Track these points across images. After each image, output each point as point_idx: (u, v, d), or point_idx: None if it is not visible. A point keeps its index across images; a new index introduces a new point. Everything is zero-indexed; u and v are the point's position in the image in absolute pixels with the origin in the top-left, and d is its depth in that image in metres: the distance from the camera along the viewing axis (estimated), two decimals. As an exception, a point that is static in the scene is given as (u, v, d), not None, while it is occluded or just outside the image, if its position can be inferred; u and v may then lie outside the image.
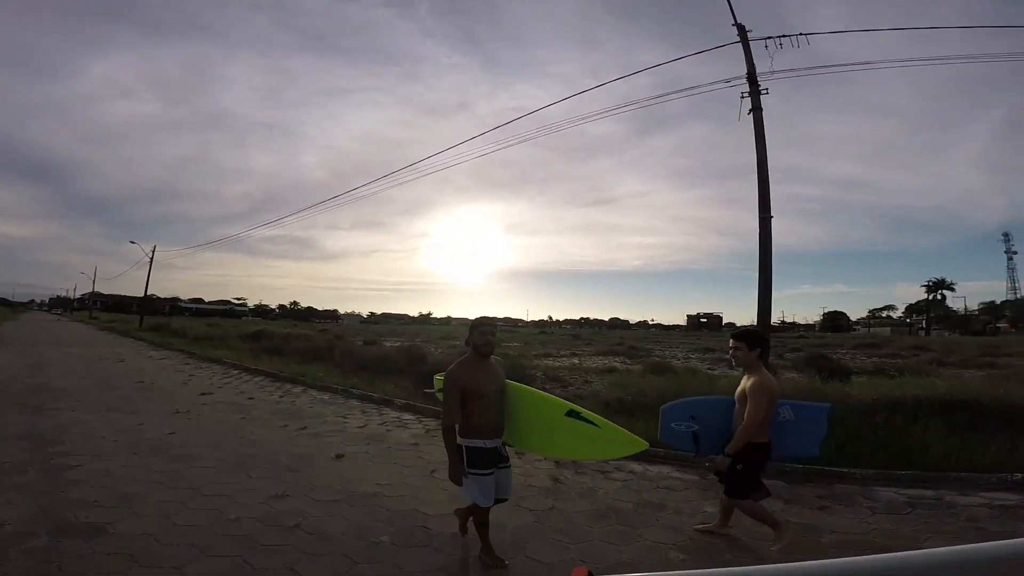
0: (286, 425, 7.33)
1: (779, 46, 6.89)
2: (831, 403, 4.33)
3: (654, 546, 3.63)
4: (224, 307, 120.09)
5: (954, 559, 0.71)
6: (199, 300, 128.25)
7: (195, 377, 12.55)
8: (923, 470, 5.07)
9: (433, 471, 5.24)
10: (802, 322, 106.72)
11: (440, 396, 3.62)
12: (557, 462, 5.55)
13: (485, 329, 3.33)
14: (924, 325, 65.97)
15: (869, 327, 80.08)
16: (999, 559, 0.70)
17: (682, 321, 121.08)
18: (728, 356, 3.63)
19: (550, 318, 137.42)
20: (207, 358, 16.78)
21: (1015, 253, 75.68)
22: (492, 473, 3.23)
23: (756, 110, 7.12)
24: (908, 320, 73.49)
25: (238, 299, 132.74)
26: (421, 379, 10.77)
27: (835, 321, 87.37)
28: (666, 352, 23.03)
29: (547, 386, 11.33)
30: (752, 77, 7.11)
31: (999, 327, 59.75)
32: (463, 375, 3.24)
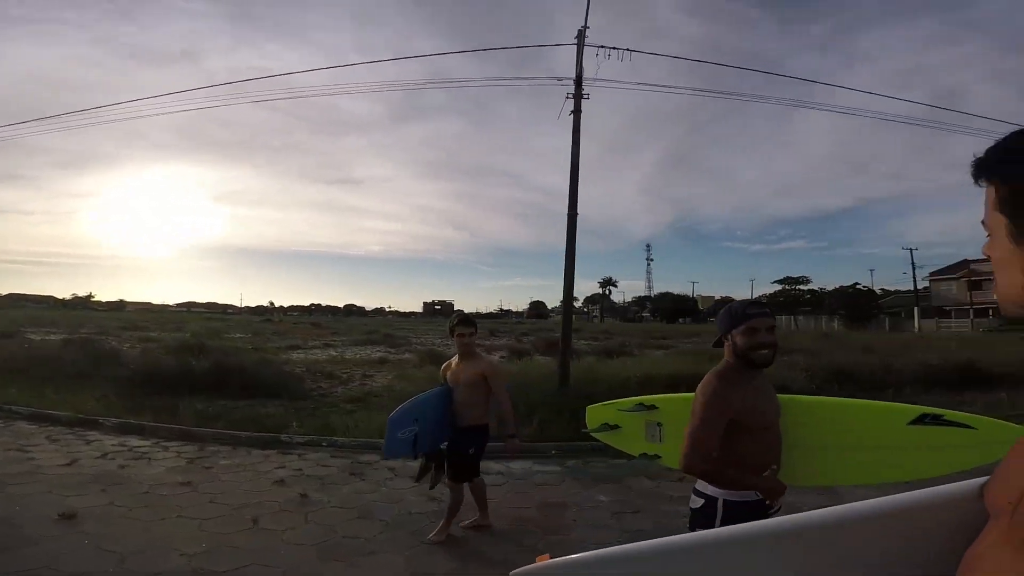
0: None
1: (607, 56, 7.59)
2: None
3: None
4: None
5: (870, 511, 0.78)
6: None
7: None
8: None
9: (256, 520, 3.95)
10: (514, 309, 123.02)
11: (603, 437, 2.68)
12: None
13: (759, 322, 1.91)
14: (598, 313, 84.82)
15: (559, 314, 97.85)
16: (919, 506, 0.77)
17: (418, 308, 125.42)
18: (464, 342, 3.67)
19: (271, 304, 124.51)
20: None
21: (652, 260, 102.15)
22: None
23: (576, 112, 7.63)
24: (586, 309, 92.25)
25: None
26: (123, 386, 8.23)
27: (539, 309, 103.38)
28: (423, 340, 23.27)
29: (323, 384, 10.10)
30: (579, 80, 7.61)
31: (643, 316, 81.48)
32: (732, 396, 1.88)
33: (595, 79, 7.72)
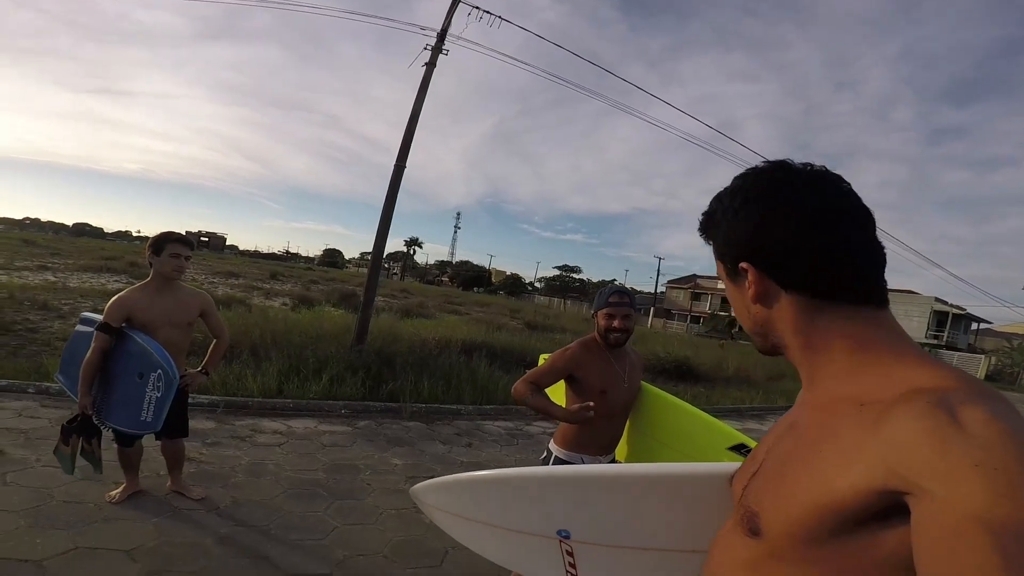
0: None
1: (479, 19, 7.00)
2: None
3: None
4: None
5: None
6: None
7: None
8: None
9: None
10: (304, 254, 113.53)
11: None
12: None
13: (616, 310, 2.20)
14: (399, 271, 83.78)
15: (359, 267, 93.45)
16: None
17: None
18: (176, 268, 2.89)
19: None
20: None
21: (459, 228, 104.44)
22: None
23: (430, 66, 7.06)
24: (386, 265, 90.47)
25: None
26: None
27: (333, 258, 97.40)
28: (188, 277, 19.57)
29: (30, 317, 7.73)
30: (443, 34, 6.97)
31: (443, 280, 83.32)
32: (575, 357, 2.20)
33: (459, 37, 7.29)
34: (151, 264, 2.91)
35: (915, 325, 38.68)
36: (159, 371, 2.71)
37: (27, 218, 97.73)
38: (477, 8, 7.16)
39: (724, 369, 11.79)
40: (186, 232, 4.06)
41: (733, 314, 0.77)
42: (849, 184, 0.66)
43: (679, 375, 10.81)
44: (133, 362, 2.78)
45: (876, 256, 0.65)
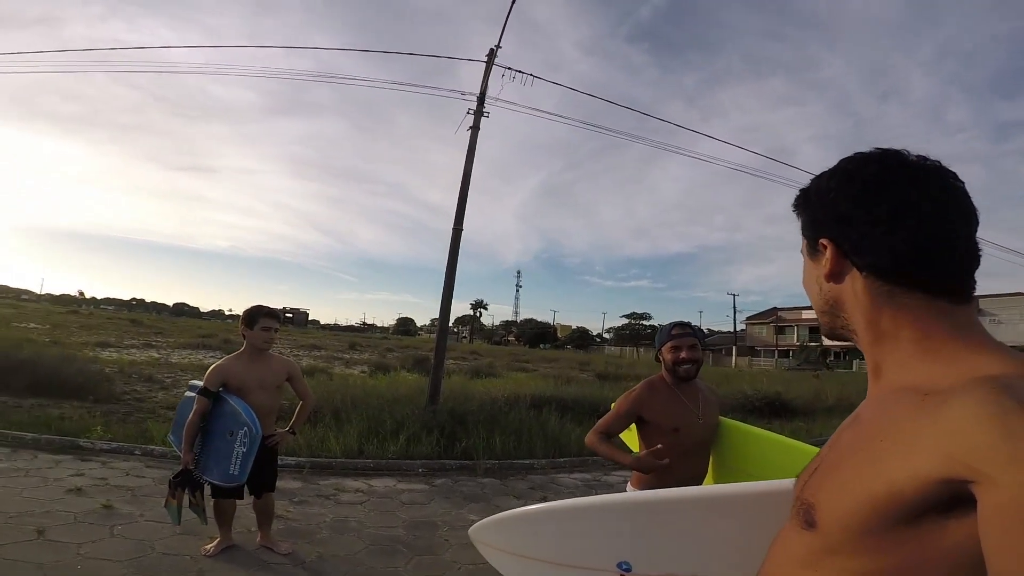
0: None
1: (512, 79, 7.57)
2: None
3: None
4: None
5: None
6: None
7: None
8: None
9: (42, 531, 3.06)
10: (379, 324, 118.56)
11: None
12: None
13: (681, 341, 2.19)
14: (467, 334, 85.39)
15: (430, 333, 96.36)
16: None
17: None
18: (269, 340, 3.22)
19: (80, 293, 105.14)
20: None
21: (520, 286, 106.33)
22: None
23: (475, 129, 7.53)
24: (455, 330, 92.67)
25: None
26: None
27: (406, 326, 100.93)
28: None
29: (138, 388, 8.52)
30: (482, 98, 7.52)
31: (509, 340, 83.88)
32: (640, 398, 2.18)
33: (497, 98, 7.77)
34: (244, 336, 3.24)
35: None
36: (245, 428, 2.99)
37: (133, 299, 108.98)
38: (510, 69, 7.62)
39: (823, 400, 11.02)
40: None
41: (821, 334, 0.75)
42: (961, 183, 0.64)
43: (772, 411, 10.14)
44: (226, 421, 3.10)
45: (962, 254, 0.63)
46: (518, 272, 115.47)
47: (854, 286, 0.66)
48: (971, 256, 0.63)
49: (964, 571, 0.50)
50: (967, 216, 0.63)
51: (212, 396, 3.13)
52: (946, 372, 0.57)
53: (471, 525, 4.14)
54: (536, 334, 77.95)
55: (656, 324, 66.27)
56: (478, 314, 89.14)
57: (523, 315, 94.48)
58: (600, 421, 2.20)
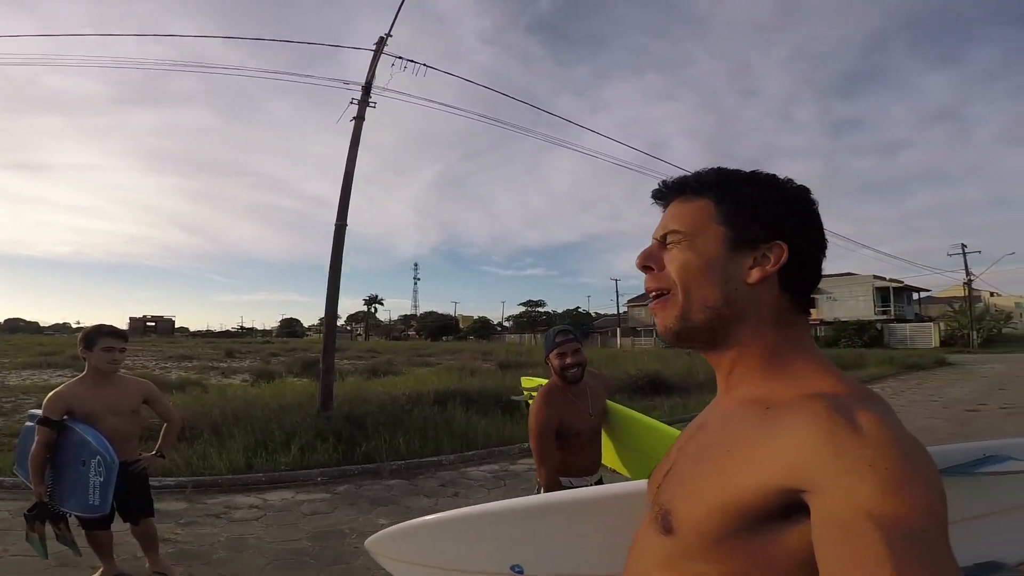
0: None
1: (403, 68, 7.24)
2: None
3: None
4: None
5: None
6: None
7: None
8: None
9: None
10: (260, 327, 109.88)
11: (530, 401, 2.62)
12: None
13: (565, 348, 2.33)
14: (362, 331, 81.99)
15: (319, 333, 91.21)
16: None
17: (122, 325, 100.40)
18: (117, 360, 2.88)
19: None
20: None
21: (419, 279, 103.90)
22: None
23: (359, 119, 7.14)
24: (348, 327, 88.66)
25: None
26: None
27: (291, 327, 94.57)
28: (128, 361, 18.58)
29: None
30: (368, 87, 7.11)
31: (410, 334, 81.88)
32: (549, 413, 2.26)
33: (385, 88, 7.47)
34: (84, 359, 2.88)
35: (862, 304, 39.94)
36: (98, 457, 2.70)
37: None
38: (400, 58, 7.41)
39: (695, 376, 12.02)
40: (130, 319, 4.02)
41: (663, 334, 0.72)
42: None
43: (653, 389, 10.95)
44: (76, 451, 2.78)
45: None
46: (415, 264, 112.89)
47: (764, 296, 0.67)
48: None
49: (803, 573, 0.54)
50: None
51: (55, 425, 2.76)
52: (788, 388, 0.62)
53: (379, 530, 4.08)
54: (438, 327, 77.04)
55: (550, 311, 68.65)
56: (373, 310, 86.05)
57: (423, 308, 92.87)
58: (534, 451, 2.27)
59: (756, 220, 0.67)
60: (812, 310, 0.72)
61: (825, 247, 0.70)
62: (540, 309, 69.34)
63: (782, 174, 0.72)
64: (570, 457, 2.29)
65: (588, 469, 2.37)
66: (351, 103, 7.25)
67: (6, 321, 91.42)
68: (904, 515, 0.47)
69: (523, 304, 70.80)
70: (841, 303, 40.52)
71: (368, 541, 1.35)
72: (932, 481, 0.50)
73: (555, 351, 2.32)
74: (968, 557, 0.93)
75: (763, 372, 0.66)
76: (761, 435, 0.58)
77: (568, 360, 2.30)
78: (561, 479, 2.29)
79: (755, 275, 0.66)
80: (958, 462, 0.87)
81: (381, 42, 7.28)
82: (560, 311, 67.52)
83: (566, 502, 1.11)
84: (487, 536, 1.16)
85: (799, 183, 0.71)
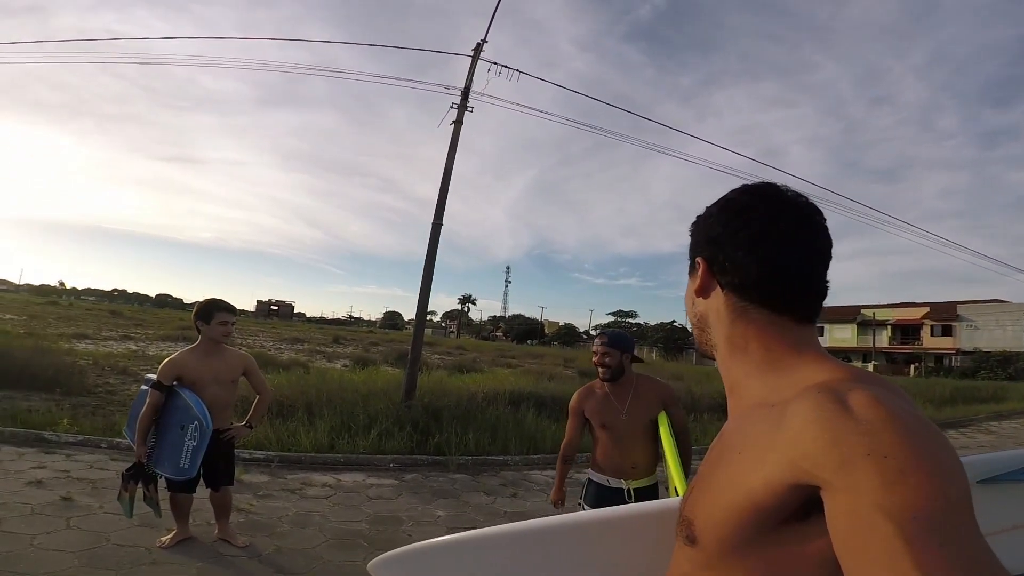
0: None
1: (498, 74, 7.53)
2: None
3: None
4: None
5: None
6: None
7: None
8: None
9: None
10: (366, 317, 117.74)
11: None
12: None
13: (597, 347, 2.60)
14: (455, 329, 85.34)
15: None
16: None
17: (250, 307, 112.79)
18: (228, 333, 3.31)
19: (61, 284, 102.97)
20: None
21: (510, 283, 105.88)
22: None
23: (458, 123, 7.48)
24: (443, 324, 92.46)
25: None
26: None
27: (393, 320, 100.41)
28: (251, 341, 20.79)
29: (111, 381, 8.40)
30: (466, 92, 7.46)
31: (497, 335, 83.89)
32: (579, 399, 2.64)
33: (482, 93, 7.71)
34: (199, 330, 3.21)
35: (1010, 334, 34.98)
36: (196, 422, 2.97)
37: (115, 290, 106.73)
38: (496, 64, 7.55)
39: None
40: (257, 302, 4.50)
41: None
42: (820, 219, 0.70)
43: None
44: (179, 415, 3.09)
45: (807, 277, 0.68)
46: (507, 268, 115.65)
47: (717, 303, 0.71)
48: (817, 281, 0.68)
49: (828, 575, 0.51)
50: (816, 247, 0.69)
51: (165, 390, 3.11)
52: (786, 383, 0.61)
53: (436, 520, 4.19)
54: (524, 330, 77.85)
55: (642, 322, 66.59)
56: (466, 309, 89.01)
57: (511, 311, 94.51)
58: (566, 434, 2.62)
59: (691, 245, 0.77)
60: (812, 311, 0.69)
61: (766, 243, 0.67)
62: (631, 320, 67.46)
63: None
64: (602, 453, 2.49)
65: (625, 471, 2.45)
66: (451, 107, 7.55)
67: (157, 296, 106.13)
68: (914, 504, 0.44)
69: (612, 313, 69.42)
70: (985, 331, 35.77)
71: (370, 565, 1.32)
72: (940, 462, 0.46)
73: (594, 350, 2.58)
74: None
75: (763, 376, 0.66)
76: (766, 433, 0.57)
77: (596, 359, 2.53)
78: (591, 474, 2.54)
79: (697, 292, 0.73)
80: (1009, 468, 0.81)
81: (478, 48, 7.51)
82: (652, 323, 65.15)
83: (582, 523, 1.05)
84: (495, 558, 1.09)
85: (752, 184, 0.74)
